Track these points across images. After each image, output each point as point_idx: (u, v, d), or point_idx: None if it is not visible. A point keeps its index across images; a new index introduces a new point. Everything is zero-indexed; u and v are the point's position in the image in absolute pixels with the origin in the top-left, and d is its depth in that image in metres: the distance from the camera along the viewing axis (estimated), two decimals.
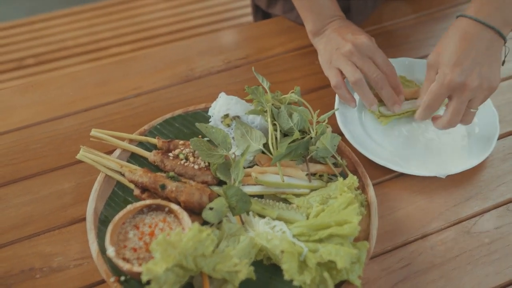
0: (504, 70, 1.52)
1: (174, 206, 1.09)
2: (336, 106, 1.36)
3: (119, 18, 3.25)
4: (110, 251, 1.01)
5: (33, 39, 3.11)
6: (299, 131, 1.22)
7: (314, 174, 1.21)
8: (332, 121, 1.32)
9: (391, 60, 1.35)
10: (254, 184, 1.17)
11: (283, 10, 1.73)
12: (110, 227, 1.05)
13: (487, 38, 1.18)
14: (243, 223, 1.11)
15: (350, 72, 1.30)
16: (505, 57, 1.27)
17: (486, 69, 1.17)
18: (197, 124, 1.21)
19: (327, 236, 1.03)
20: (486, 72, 1.17)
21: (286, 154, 1.17)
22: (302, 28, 1.65)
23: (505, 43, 1.21)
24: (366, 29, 1.45)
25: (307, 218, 1.11)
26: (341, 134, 1.29)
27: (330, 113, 1.25)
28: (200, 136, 1.27)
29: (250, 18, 2.82)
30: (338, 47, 1.34)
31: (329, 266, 1.01)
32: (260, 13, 1.91)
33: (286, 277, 0.97)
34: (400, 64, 1.45)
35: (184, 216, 1.07)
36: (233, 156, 1.18)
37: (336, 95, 1.37)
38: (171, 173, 1.17)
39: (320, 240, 1.04)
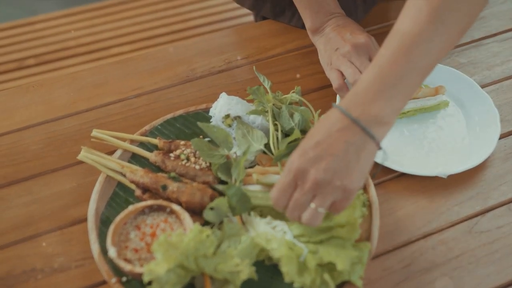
0: (505, 70, 1.52)
1: (176, 207, 1.09)
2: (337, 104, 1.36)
3: (120, 18, 3.24)
4: (112, 251, 1.01)
5: (33, 40, 3.10)
6: (301, 131, 1.22)
7: None
8: None
9: None
10: (255, 185, 1.17)
11: (273, 13, 1.69)
12: (111, 228, 1.05)
13: (351, 133, 0.97)
14: (244, 223, 1.11)
15: (350, 74, 1.30)
16: (377, 171, 1.20)
17: (340, 165, 0.95)
18: (199, 123, 1.21)
19: (328, 237, 1.03)
20: (340, 168, 0.95)
21: (287, 154, 1.17)
22: (297, 28, 1.66)
23: (377, 146, 0.99)
24: (365, 29, 1.44)
25: None
26: None
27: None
28: (201, 136, 1.27)
29: (250, 18, 2.82)
30: (337, 48, 1.34)
31: (330, 267, 1.01)
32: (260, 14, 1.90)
33: (286, 279, 0.98)
34: None
35: (186, 216, 1.07)
36: (234, 156, 1.18)
37: (338, 96, 1.37)
38: (172, 174, 1.17)
39: (321, 242, 1.04)
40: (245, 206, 1.09)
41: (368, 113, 0.97)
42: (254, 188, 1.16)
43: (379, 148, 0.99)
